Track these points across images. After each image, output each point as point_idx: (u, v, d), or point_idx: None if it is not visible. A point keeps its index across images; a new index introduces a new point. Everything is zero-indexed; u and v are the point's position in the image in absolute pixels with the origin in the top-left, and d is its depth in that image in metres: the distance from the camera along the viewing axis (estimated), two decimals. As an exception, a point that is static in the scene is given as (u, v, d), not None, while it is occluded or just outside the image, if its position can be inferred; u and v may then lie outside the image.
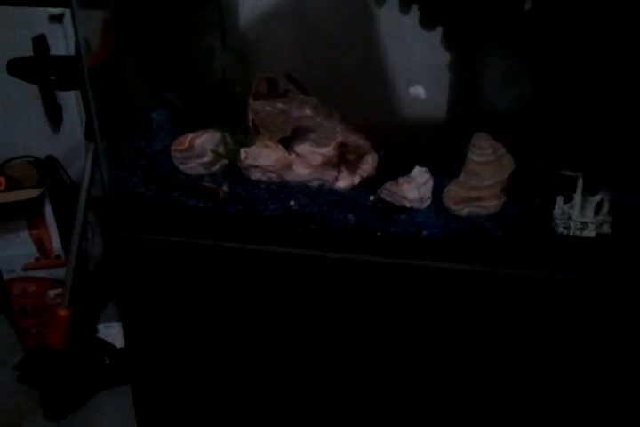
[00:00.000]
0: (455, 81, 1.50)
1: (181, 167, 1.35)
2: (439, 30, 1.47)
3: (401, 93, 1.55)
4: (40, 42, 1.54)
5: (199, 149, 1.32)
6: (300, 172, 1.32)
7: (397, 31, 1.50)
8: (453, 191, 1.23)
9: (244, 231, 1.24)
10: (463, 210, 1.22)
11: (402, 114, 1.57)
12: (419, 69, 1.48)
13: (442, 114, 1.54)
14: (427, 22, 1.46)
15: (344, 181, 1.32)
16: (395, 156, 1.40)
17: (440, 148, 1.39)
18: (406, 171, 1.28)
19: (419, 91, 1.34)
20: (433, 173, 1.28)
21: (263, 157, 1.30)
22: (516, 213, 1.22)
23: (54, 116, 1.75)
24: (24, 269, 1.71)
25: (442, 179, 1.28)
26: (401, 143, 1.45)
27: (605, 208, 1.16)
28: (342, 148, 1.29)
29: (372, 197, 1.28)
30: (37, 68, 1.43)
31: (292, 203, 1.26)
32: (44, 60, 1.46)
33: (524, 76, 1.41)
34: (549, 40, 1.34)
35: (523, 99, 1.40)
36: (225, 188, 1.27)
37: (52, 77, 1.40)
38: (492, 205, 1.21)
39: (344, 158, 1.31)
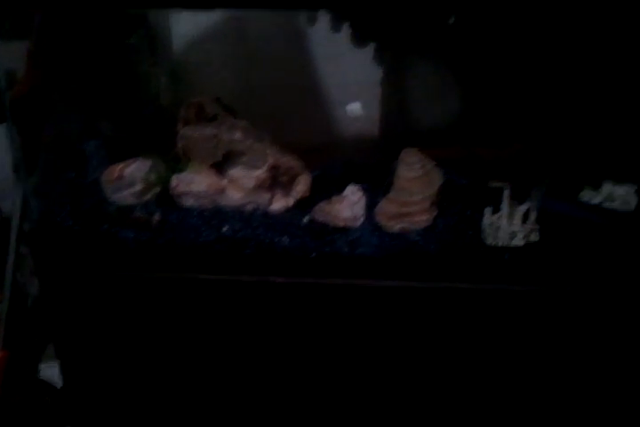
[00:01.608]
0: (387, 97, 1.52)
1: (112, 198, 1.33)
2: (371, 47, 1.49)
3: (335, 112, 1.56)
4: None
5: (129, 178, 1.31)
6: (234, 196, 1.31)
7: (330, 49, 1.51)
8: (385, 208, 1.24)
9: (177, 260, 1.23)
10: (395, 226, 1.23)
11: (336, 132, 1.58)
12: (352, 87, 1.50)
13: (375, 130, 1.55)
14: (357, 40, 1.48)
15: (278, 203, 1.32)
16: (329, 174, 1.40)
17: (375, 164, 1.40)
18: (341, 189, 1.29)
19: (354, 107, 1.36)
20: (367, 190, 1.29)
21: (195, 183, 1.29)
22: (447, 226, 1.23)
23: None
24: (-43, 311, 1.65)
25: (375, 195, 1.29)
26: (336, 161, 1.46)
27: (533, 217, 1.18)
28: (275, 170, 1.29)
29: (306, 218, 1.28)
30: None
31: (224, 228, 1.25)
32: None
33: (452, 91, 1.44)
34: (473, 54, 1.37)
35: (452, 112, 1.42)
36: (156, 217, 1.26)
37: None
38: (422, 219, 1.22)
39: (277, 180, 1.31)
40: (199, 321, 1.26)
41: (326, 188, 1.33)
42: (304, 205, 1.31)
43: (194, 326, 1.26)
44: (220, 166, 1.31)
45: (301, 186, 1.30)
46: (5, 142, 1.70)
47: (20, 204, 1.42)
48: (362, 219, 1.26)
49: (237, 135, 1.26)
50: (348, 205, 1.25)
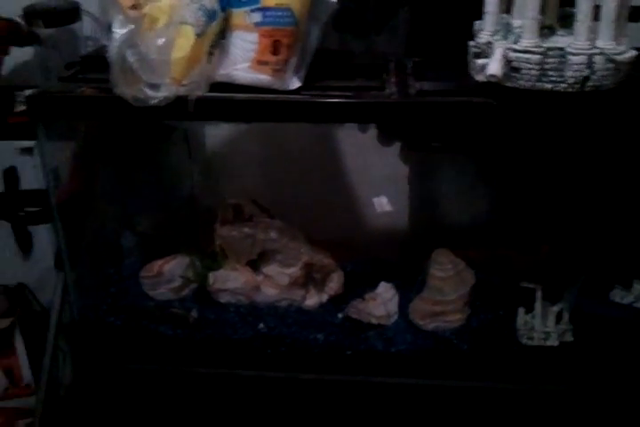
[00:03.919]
0: (415, 195, 1.56)
1: (151, 293, 1.36)
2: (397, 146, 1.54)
3: (366, 209, 1.60)
4: (10, 174, 1.58)
5: (168, 274, 1.35)
6: (269, 292, 1.34)
7: (358, 148, 1.56)
8: (418, 306, 1.25)
9: (214, 356, 1.25)
10: (429, 324, 1.24)
11: (368, 229, 1.61)
12: (381, 184, 1.54)
13: (406, 228, 1.58)
14: (383, 140, 1.53)
15: (312, 300, 1.34)
16: (362, 271, 1.43)
17: (406, 261, 1.42)
18: (373, 285, 1.31)
19: (382, 201, 1.39)
20: (399, 286, 1.31)
21: (231, 280, 1.33)
22: (481, 325, 1.24)
23: (24, 243, 1.77)
24: (-7, 401, 1.67)
25: (408, 293, 1.31)
26: (368, 257, 1.48)
27: (566, 317, 1.19)
28: (308, 267, 1.32)
29: (340, 315, 1.30)
30: (6, 204, 1.46)
31: (260, 326, 1.27)
32: (13, 195, 1.50)
33: (480, 191, 1.47)
34: (501, 156, 1.41)
35: (480, 212, 1.45)
36: (194, 313, 1.29)
37: (22, 213, 1.43)
38: (456, 318, 1.24)
39: (311, 277, 1.34)
40: (233, 416, 1.26)
41: (358, 284, 1.35)
42: (337, 301, 1.33)
43: (228, 421, 1.27)
44: (256, 264, 1.35)
45: (334, 283, 1.33)
46: (48, 235, 1.77)
47: (60, 299, 1.46)
48: (395, 316, 1.28)
49: (273, 235, 1.30)
50: (382, 303, 1.27)
